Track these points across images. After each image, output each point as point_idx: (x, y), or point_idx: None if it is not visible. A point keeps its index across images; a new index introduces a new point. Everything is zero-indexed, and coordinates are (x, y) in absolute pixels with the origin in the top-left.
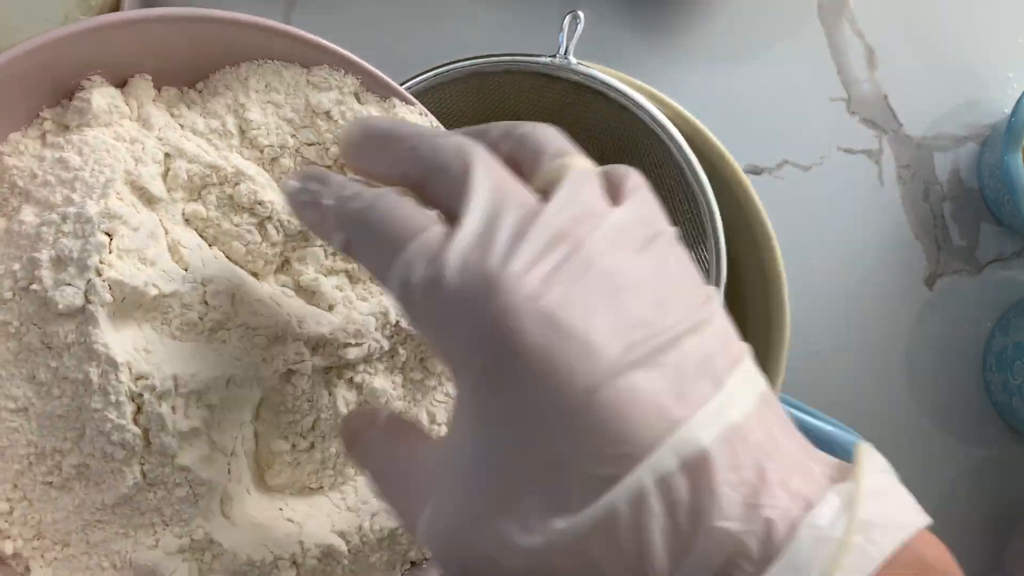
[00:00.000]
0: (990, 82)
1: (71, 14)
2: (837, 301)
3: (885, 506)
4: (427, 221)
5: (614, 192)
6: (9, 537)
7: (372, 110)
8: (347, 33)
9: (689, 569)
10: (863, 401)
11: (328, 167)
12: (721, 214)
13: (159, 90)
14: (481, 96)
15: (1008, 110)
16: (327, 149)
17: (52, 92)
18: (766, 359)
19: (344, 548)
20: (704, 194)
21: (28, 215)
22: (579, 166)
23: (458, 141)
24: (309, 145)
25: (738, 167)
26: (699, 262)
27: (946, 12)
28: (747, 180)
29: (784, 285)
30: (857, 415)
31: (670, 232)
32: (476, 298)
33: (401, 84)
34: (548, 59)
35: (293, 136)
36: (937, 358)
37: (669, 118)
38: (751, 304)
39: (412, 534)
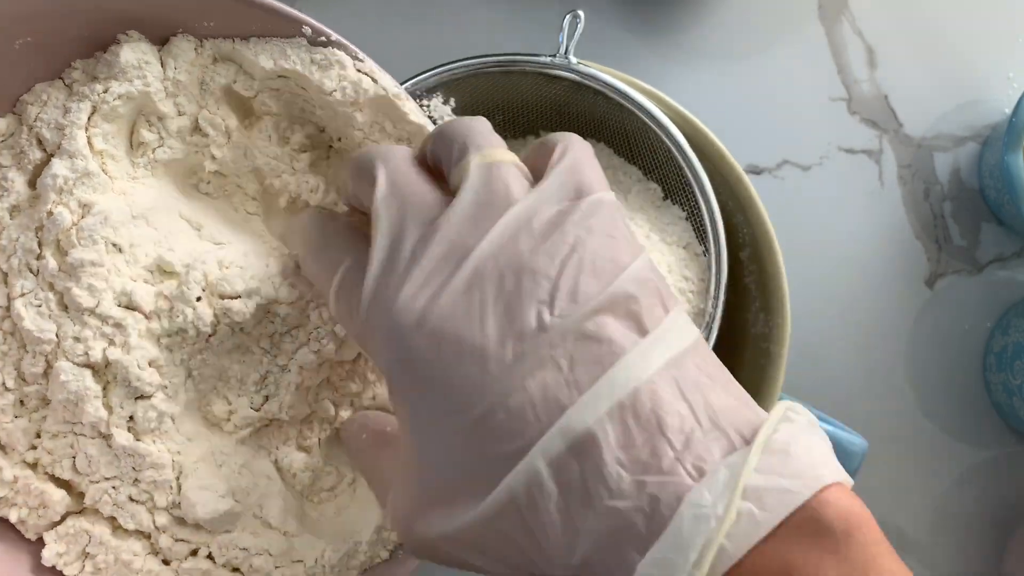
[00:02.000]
0: (990, 82)
1: None
2: (837, 301)
3: (788, 466)
4: (344, 256)
5: (541, 165)
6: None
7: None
8: (346, 33)
9: (584, 546)
10: (863, 401)
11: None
12: (721, 214)
13: (199, 49)
14: (481, 96)
15: (1008, 110)
16: None
17: (85, 44)
18: (766, 359)
19: None
20: (704, 194)
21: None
22: (482, 161)
23: (370, 158)
24: None
25: (738, 167)
26: (700, 261)
27: (946, 12)
28: (747, 180)
29: (784, 285)
30: (857, 415)
31: (590, 200)
32: (380, 326)
33: (401, 84)
34: (548, 59)
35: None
36: (937, 358)
37: (669, 118)
38: (751, 304)
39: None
